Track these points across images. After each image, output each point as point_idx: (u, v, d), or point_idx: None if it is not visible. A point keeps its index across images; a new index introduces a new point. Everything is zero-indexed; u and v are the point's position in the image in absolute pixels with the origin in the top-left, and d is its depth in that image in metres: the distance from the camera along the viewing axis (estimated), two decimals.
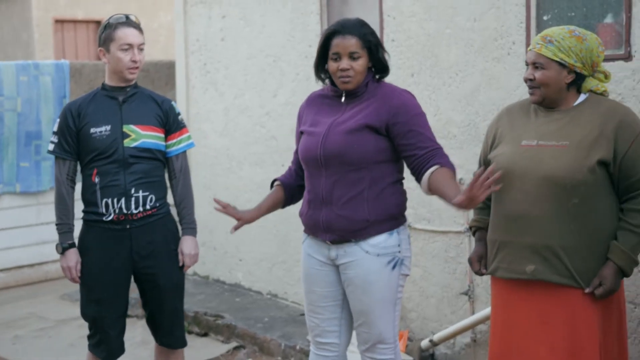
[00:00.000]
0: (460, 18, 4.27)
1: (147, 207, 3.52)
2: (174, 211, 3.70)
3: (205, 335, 5.34)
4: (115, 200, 3.46)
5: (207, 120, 6.15)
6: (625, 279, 2.98)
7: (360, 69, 3.12)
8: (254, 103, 5.75)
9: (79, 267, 3.52)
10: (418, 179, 3.11)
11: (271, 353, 4.90)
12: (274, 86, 5.57)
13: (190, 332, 5.34)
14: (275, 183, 3.42)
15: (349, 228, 3.13)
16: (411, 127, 3.08)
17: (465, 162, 4.28)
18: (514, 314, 3.01)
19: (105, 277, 3.52)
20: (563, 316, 2.90)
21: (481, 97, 4.21)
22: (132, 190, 3.48)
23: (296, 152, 3.37)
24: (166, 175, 3.68)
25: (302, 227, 5.29)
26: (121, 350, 3.63)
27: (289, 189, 3.39)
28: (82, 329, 5.59)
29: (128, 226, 3.50)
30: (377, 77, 3.20)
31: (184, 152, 3.66)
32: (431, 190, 3.04)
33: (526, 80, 3.00)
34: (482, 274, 3.20)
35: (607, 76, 3.04)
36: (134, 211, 3.49)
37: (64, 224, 3.54)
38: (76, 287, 6.52)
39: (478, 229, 3.25)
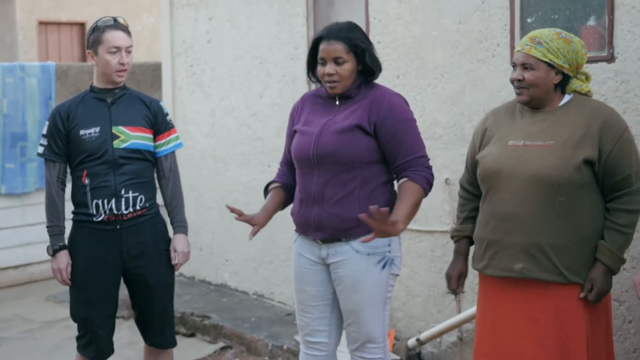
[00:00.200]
0: (445, 20, 4.33)
1: (137, 207, 3.54)
2: (162, 211, 3.73)
3: (192, 335, 5.36)
4: (105, 201, 3.49)
5: (193, 121, 6.17)
6: None
7: (345, 73, 3.15)
8: (240, 104, 5.78)
9: (69, 269, 3.54)
10: None
11: (258, 353, 4.93)
12: (260, 88, 5.60)
13: (177, 333, 5.33)
14: (273, 185, 3.43)
15: (340, 227, 3.17)
16: (396, 134, 3.12)
17: (450, 163, 4.33)
18: (502, 311, 3.05)
19: (96, 278, 3.54)
20: (551, 313, 2.95)
21: (466, 98, 4.26)
22: (122, 191, 3.50)
23: (287, 152, 3.41)
24: (155, 176, 3.70)
25: (288, 228, 5.34)
26: (111, 350, 3.64)
27: (287, 189, 3.41)
28: (68, 330, 5.60)
29: (118, 226, 3.53)
30: (368, 79, 3.24)
31: (173, 152, 3.69)
32: None
33: (514, 80, 3.05)
34: (456, 294, 3.25)
35: (587, 78, 3.10)
36: (124, 212, 3.51)
37: (54, 226, 3.56)
38: (61, 289, 6.58)
39: (461, 239, 3.29)
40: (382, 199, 3.19)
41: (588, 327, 2.97)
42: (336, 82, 3.16)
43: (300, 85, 5.27)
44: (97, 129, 3.50)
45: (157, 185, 3.70)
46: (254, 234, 3.30)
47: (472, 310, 4.21)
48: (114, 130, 3.52)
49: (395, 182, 3.28)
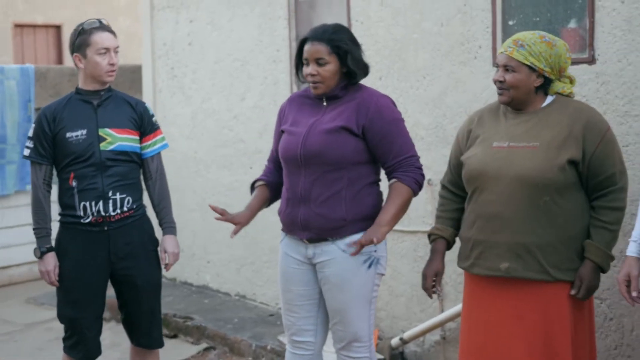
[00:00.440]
0: (427, 23, 4.38)
1: (125, 209, 3.55)
2: (149, 211, 3.74)
3: (174, 337, 5.37)
4: (93, 203, 3.49)
5: (174, 123, 6.17)
6: None
7: (327, 74, 3.19)
8: (221, 107, 5.80)
9: (57, 270, 3.54)
10: None
11: (242, 353, 4.95)
12: (241, 90, 5.62)
13: None
14: (258, 183, 3.45)
15: (326, 226, 3.20)
16: (385, 135, 3.17)
17: (433, 164, 4.38)
18: (489, 309, 3.09)
19: (83, 279, 3.54)
20: (537, 310, 3.00)
21: (448, 100, 4.31)
22: (110, 193, 3.51)
23: (275, 151, 3.43)
24: (141, 177, 3.71)
25: (270, 229, 5.38)
26: (98, 351, 3.65)
27: (273, 187, 3.43)
28: (50, 332, 5.59)
29: (106, 228, 3.53)
30: (352, 81, 3.26)
31: (159, 153, 3.70)
32: None
33: (496, 81, 3.10)
34: (434, 292, 3.28)
35: (572, 81, 3.16)
36: (112, 213, 3.52)
37: (41, 229, 3.56)
38: (41, 291, 6.56)
39: (438, 238, 3.33)
40: (368, 200, 3.23)
41: (573, 324, 3.02)
42: (318, 82, 3.20)
43: (283, 88, 5.30)
44: (84, 132, 3.51)
45: (144, 186, 3.71)
46: (235, 232, 3.34)
47: (455, 309, 4.26)
48: (101, 132, 3.53)
49: (380, 182, 3.33)
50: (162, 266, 3.70)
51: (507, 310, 3.05)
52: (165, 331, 5.37)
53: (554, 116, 3.04)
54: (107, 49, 3.51)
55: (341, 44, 3.18)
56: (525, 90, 3.05)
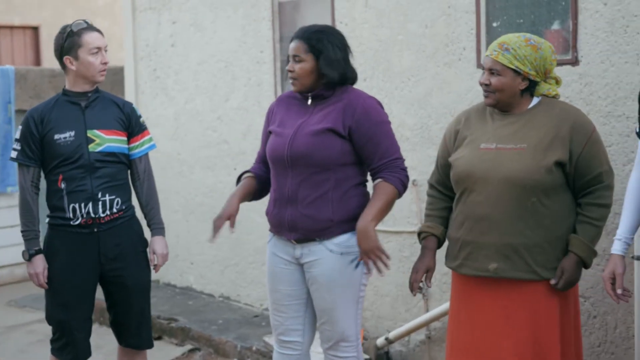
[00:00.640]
0: (412, 25, 4.41)
1: (114, 210, 3.55)
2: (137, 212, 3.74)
3: (159, 338, 5.35)
4: (82, 205, 3.49)
5: (157, 125, 6.16)
6: None
7: (301, 72, 3.21)
8: (205, 108, 5.80)
9: (46, 273, 3.53)
10: None
11: (227, 355, 4.95)
12: (225, 91, 5.63)
13: None
14: (246, 175, 3.44)
15: (313, 227, 3.22)
16: (371, 136, 3.19)
17: (418, 164, 4.41)
18: (477, 309, 3.12)
19: (73, 281, 3.53)
20: (525, 309, 3.04)
21: (433, 101, 4.35)
22: (99, 195, 3.51)
23: (262, 151, 3.45)
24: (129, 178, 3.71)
25: (255, 230, 5.39)
26: (88, 352, 3.64)
27: (260, 180, 3.43)
28: (32, 335, 5.56)
29: (95, 229, 3.53)
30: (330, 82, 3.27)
31: (147, 154, 3.70)
32: None
33: (482, 84, 3.13)
34: (416, 288, 3.29)
35: (558, 82, 3.19)
36: (102, 215, 3.52)
37: (30, 231, 3.54)
38: (23, 294, 6.52)
39: (428, 236, 3.35)
40: (355, 201, 3.26)
41: (560, 322, 3.06)
42: (294, 79, 3.24)
43: (267, 89, 5.31)
44: (72, 133, 3.50)
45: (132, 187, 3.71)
46: (232, 225, 3.30)
47: (440, 308, 4.29)
48: (89, 134, 3.52)
49: (367, 184, 3.35)
50: (151, 267, 3.70)
51: (496, 309, 3.08)
52: None
53: (540, 118, 3.08)
54: (99, 48, 3.51)
55: (316, 43, 3.20)
56: (511, 93, 3.08)
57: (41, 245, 3.59)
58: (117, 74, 7.19)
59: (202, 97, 5.82)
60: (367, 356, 4.53)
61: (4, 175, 6.55)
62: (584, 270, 3.14)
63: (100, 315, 5.30)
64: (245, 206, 3.50)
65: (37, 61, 13.78)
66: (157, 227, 3.69)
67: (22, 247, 3.58)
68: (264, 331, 5.01)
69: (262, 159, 3.48)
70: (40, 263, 3.53)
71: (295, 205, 3.23)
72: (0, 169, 6.56)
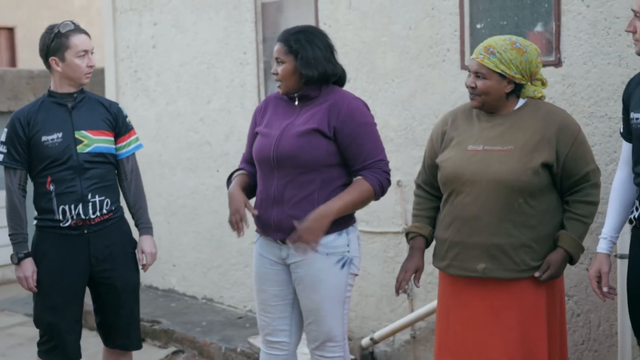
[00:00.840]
0: (395, 26, 4.43)
1: (104, 211, 3.54)
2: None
3: (142, 341, 5.32)
4: (72, 206, 3.48)
5: (138, 126, 6.08)
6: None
7: (284, 73, 3.24)
8: (187, 109, 5.79)
9: (35, 276, 3.51)
10: None
11: (211, 357, 4.94)
12: (207, 92, 5.62)
13: None
14: (238, 172, 3.43)
15: None
16: (355, 137, 3.20)
17: (402, 165, 4.44)
18: (465, 308, 3.15)
19: (63, 283, 3.52)
20: (513, 308, 3.07)
21: (417, 102, 4.37)
22: (89, 196, 3.50)
23: (247, 153, 3.45)
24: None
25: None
26: (78, 355, 3.63)
27: (252, 177, 3.42)
28: (12, 338, 5.53)
29: (86, 231, 3.52)
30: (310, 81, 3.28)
31: (134, 154, 3.70)
32: None
33: (468, 87, 3.16)
34: (403, 287, 3.30)
35: (544, 83, 3.23)
36: (92, 216, 3.51)
37: (18, 234, 3.52)
38: (2, 297, 6.45)
39: (416, 236, 3.36)
40: None
41: (547, 320, 3.10)
42: (279, 81, 3.26)
43: (249, 90, 5.32)
44: (60, 135, 3.49)
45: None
46: (251, 210, 3.27)
47: (424, 309, 4.32)
48: (77, 135, 3.51)
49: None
50: (140, 267, 3.69)
51: (484, 309, 3.11)
52: None
53: (527, 119, 3.11)
54: (86, 51, 3.50)
55: (294, 44, 3.22)
56: (497, 96, 3.11)
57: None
58: (97, 75, 7.15)
59: (183, 99, 5.80)
60: (352, 356, 4.55)
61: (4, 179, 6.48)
62: (568, 269, 3.19)
63: (83, 318, 5.26)
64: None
65: (13, 62, 13.68)
66: (145, 227, 3.69)
67: (31, 249, 3.57)
68: (248, 332, 5.01)
69: (246, 160, 3.48)
70: (29, 266, 3.51)
71: (281, 205, 3.24)
72: None
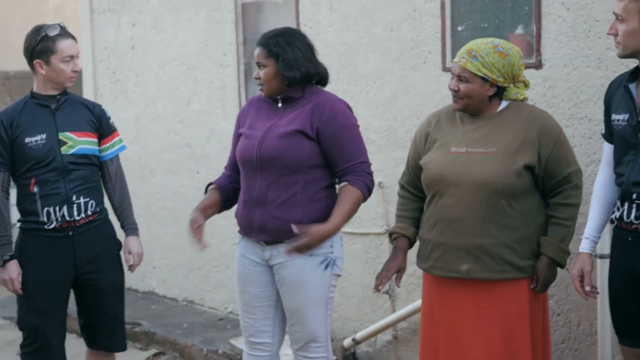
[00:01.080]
0: (377, 28, 4.45)
1: (89, 212, 3.53)
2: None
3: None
4: (57, 208, 3.46)
5: (117, 128, 6.07)
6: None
7: (266, 77, 3.25)
8: (166, 111, 5.77)
9: (20, 278, 3.49)
10: None
11: (193, 358, 4.94)
12: (187, 94, 5.61)
13: None
14: (211, 187, 3.48)
15: (283, 229, 3.23)
16: (337, 139, 3.23)
17: (383, 166, 4.46)
18: (449, 308, 3.19)
19: (47, 285, 3.51)
20: (496, 308, 3.11)
21: (399, 103, 4.40)
22: (74, 197, 3.49)
23: (232, 156, 3.46)
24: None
25: (218, 233, 5.38)
26: (63, 357, 3.62)
27: (224, 192, 3.45)
28: None
29: (71, 233, 3.51)
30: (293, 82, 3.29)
31: (117, 155, 3.70)
32: None
33: (451, 90, 3.19)
34: (379, 287, 3.31)
35: (526, 85, 3.27)
36: (77, 218, 3.50)
37: (2, 236, 3.50)
38: None
39: (400, 237, 3.38)
40: (324, 203, 3.29)
41: (529, 319, 3.13)
42: (261, 85, 3.28)
43: (230, 92, 5.31)
44: (44, 136, 3.47)
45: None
46: (200, 234, 3.31)
47: (406, 309, 4.34)
48: (61, 136, 3.50)
49: (336, 185, 3.38)
50: (127, 267, 3.69)
51: (467, 309, 3.14)
52: None
53: (509, 121, 3.15)
54: (72, 57, 3.49)
55: (274, 47, 3.23)
56: (479, 99, 3.15)
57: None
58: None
59: (163, 100, 5.79)
60: (334, 357, 4.55)
61: None
62: None
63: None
64: None
65: None
66: (131, 228, 3.70)
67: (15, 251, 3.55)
68: (229, 334, 5.01)
69: (231, 165, 3.49)
70: (14, 268, 3.49)
71: (264, 207, 3.25)
72: None
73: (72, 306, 3.72)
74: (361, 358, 4.71)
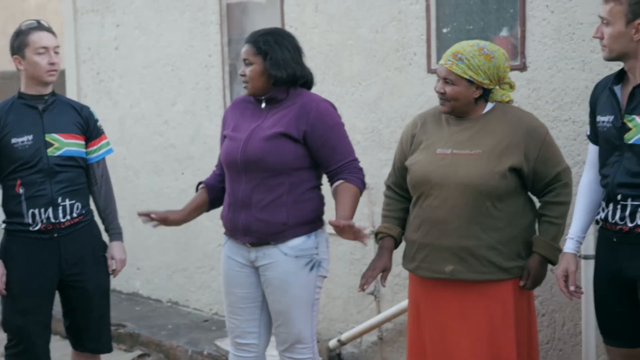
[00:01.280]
0: (362, 30, 4.47)
1: (75, 214, 3.52)
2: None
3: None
4: (42, 210, 3.45)
5: None
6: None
7: (251, 74, 3.26)
8: (151, 112, 5.76)
9: (4, 278, 3.48)
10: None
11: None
12: (172, 95, 5.60)
13: None
14: (200, 186, 3.48)
15: (268, 231, 3.24)
16: (326, 140, 3.24)
17: (369, 167, 4.44)
18: (435, 309, 3.20)
19: (32, 286, 3.50)
20: (481, 309, 3.13)
21: (384, 105, 4.41)
22: (59, 199, 3.47)
23: (220, 156, 3.46)
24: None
25: (203, 234, 5.38)
26: (48, 359, 3.59)
27: (213, 191, 3.46)
28: None
29: (56, 235, 3.50)
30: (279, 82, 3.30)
31: (104, 158, 3.69)
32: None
33: (437, 92, 3.21)
34: (364, 287, 3.31)
35: (512, 86, 3.30)
36: (62, 220, 3.49)
37: None
38: None
39: (385, 237, 3.39)
40: (309, 204, 3.30)
41: (515, 320, 3.15)
42: (246, 82, 3.28)
43: (215, 93, 5.31)
44: (30, 137, 3.46)
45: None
46: (157, 222, 3.39)
47: (391, 310, 4.35)
48: (48, 138, 3.49)
49: (321, 186, 3.39)
50: (110, 272, 3.68)
51: (453, 310, 3.16)
52: None
53: (495, 123, 3.17)
54: (46, 48, 3.46)
55: (263, 45, 3.24)
56: (465, 102, 3.16)
57: None
58: (57, 77, 7.08)
59: (147, 101, 5.77)
60: (320, 358, 4.56)
61: None
62: None
63: None
64: None
65: None
66: (115, 232, 3.69)
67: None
68: (215, 335, 5.01)
69: (220, 165, 3.49)
70: None
71: (249, 209, 3.25)
72: None
73: (57, 308, 3.71)
74: (347, 359, 4.72)
